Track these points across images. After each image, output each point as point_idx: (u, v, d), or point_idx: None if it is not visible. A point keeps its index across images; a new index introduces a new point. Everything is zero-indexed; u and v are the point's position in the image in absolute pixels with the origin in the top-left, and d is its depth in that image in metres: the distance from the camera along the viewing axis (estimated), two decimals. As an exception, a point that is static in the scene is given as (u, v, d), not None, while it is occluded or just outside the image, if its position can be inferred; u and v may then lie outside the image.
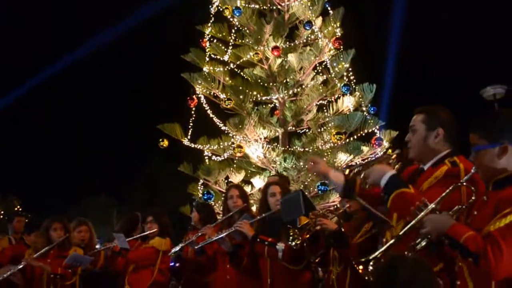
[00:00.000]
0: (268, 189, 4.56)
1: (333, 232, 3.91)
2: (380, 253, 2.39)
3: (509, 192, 2.20)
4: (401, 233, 2.39)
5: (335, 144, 8.73)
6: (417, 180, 2.79)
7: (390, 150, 9.15)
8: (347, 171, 3.08)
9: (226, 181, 9.13)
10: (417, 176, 2.85)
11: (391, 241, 2.41)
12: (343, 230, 3.99)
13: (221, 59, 9.85)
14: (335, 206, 4.50)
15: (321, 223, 3.91)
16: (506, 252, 2.04)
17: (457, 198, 2.45)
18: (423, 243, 2.31)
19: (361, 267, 2.39)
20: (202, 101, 9.61)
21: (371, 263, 2.36)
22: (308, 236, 3.90)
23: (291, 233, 3.85)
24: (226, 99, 9.11)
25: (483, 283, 2.17)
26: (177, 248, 5.08)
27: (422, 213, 2.33)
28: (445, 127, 2.84)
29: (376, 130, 9.08)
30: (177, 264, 6.89)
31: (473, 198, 2.37)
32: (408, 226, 2.37)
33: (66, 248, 5.37)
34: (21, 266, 5.20)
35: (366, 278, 2.37)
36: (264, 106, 9.60)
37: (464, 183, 2.42)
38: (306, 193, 7.95)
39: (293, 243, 3.84)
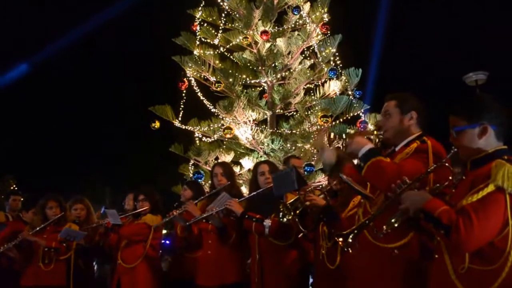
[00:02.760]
0: (257, 169, 4.65)
1: (322, 208, 3.85)
2: (358, 227, 2.50)
3: (484, 169, 2.26)
4: (383, 208, 2.49)
5: (321, 127, 8.82)
6: (390, 159, 2.92)
7: (375, 133, 9.29)
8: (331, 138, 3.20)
9: (216, 161, 9.23)
10: (389, 156, 2.97)
11: (369, 216, 2.52)
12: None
13: (211, 42, 9.88)
14: (321, 186, 4.50)
15: (310, 199, 3.86)
16: (476, 225, 2.10)
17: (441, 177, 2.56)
18: (401, 219, 2.39)
19: (341, 239, 2.48)
20: (192, 84, 9.67)
21: (350, 236, 2.46)
22: (298, 211, 3.85)
23: (281, 209, 3.81)
24: (216, 82, 9.14)
25: (459, 257, 2.23)
26: (163, 222, 5.18)
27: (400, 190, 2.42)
28: (418, 111, 3.01)
29: (361, 114, 9.18)
30: (167, 242, 7.05)
31: (450, 177, 2.46)
32: (387, 202, 2.48)
33: (61, 225, 5.47)
34: (17, 241, 5.32)
35: (346, 249, 2.48)
36: (253, 89, 9.66)
37: (446, 163, 2.50)
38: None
39: (284, 219, 3.81)
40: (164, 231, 5.82)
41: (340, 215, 3.90)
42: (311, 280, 5.16)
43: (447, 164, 2.51)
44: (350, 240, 2.50)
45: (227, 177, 4.94)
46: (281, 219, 3.83)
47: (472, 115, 2.39)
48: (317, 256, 4.12)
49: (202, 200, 5.09)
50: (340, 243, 2.53)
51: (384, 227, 2.42)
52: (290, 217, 3.79)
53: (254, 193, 4.48)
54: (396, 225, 2.40)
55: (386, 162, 2.77)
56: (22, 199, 6.59)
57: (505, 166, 2.18)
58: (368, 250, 2.84)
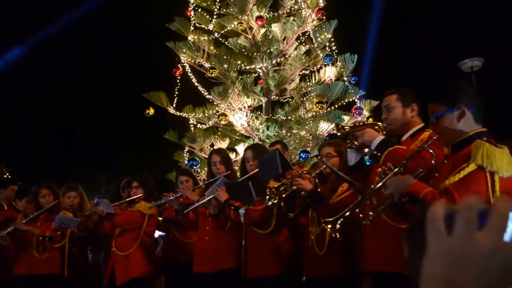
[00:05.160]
0: (244, 155, 4.69)
1: (309, 192, 3.86)
2: (346, 212, 2.51)
3: (464, 152, 2.33)
4: (367, 194, 2.52)
5: (317, 113, 8.81)
6: None
7: (370, 119, 9.29)
8: (343, 127, 3.23)
9: (211, 148, 9.20)
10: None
11: (357, 201, 2.53)
12: (319, 190, 3.94)
13: (206, 28, 9.78)
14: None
15: (297, 183, 3.85)
16: (459, 202, 2.14)
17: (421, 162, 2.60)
18: (386, 204, 2.43)
19: (329, 226, 2.50)
20: (187, 70, 9.59)
21: (338, 222, 2.48)
22: (284, 195, 3.85)
23: (268, 192, 3.80)
24: (210, 68, 9.08)
25: None
26: (156, 203, 5.18)
27: (387, 177, 2.46)
28: (418, 103, 3.16)
29: (356, 100, 9.16)
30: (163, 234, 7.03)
31: (433, 161, 2.50)
32: (373, 188, 2.50)
33: (55, 212, 5.45)
34: (10, 230, 5.29)
35: (333, 235, 2.49)
36: (248, 75, 9.60)
37: (426, 147, 2.55)
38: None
39: (270, 203, 3.80)
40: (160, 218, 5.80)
41: (328, 199, 3.95)
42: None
43: (429, 150, 2.56)
44: (338, 226, 2.52)
45: (225, 164, 4.93)
46: (266, 202, 3.83)
47: (449, 99, 2.46)
48: (306, 242, 4.15)
49: (200, 187, 5.10)
50: (328, 229, 2.55)
51: (370, 213, 2.46)
52: (275, 201, 3.79)
53: (240, 179, 4.51)
54: (380, 210, 2.43)
55: (404, 149, 2.86)
56: (16, 188, 6.53)
57: (484, 146, 2.26)
58: (382, 229, 2.90)
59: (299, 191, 3.89)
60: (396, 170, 2.47)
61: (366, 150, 3.05)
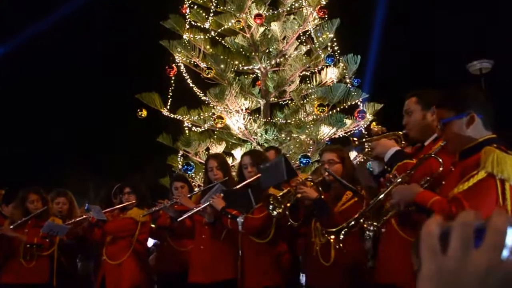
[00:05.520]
0: (241, 161, 4.70)
1: (313, 200, 3.85)
2: (350, 222, 2.55)
3: (473, 159, 2.37)
4: (371, 203, 2.56)
5: (318, 116, 8.85)
6: (419, 154, 3.01)
7: (374, 123, 9.34)
8: (355, 140, 3.27)
9: (206, 152, 9.23)
10: (419, 152, 3.09)
11: (361, 211, 2.58)
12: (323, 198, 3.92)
13: (202, 26, 9.83)
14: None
15: (302, 191, 3.83)
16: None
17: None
18: (391, 213, 2.46)
19: (332, 236, 2.53)
20: (181, 70, 9.62)
21: (342, 232, 2.51)
22: (288, 204, 3.85)
23: (272, 201, 3.80)
24: (206, 68, 9.10)
25: None
26: (150, 211, 5.20)
27: (391, 186, 2.50)
28: None
29: (359, 103, 9.21)
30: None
31: (440, 169, 2.54)
32: (377, 198, 2.54)
33: (43, 219, 5.46)
34: (-4, 237, 5.31)
35: (337, 247, 2.52)
36: (245, 76, 9.64)
37: (433, 155, 2.59)
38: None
39: (274, 212, 3.80)
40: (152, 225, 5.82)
41: (332, 208, 3.93)
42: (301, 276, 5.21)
43: (437, 158, 2.59)
44: (342, 237, 2.56)
45: (223, 170, 4.96)
46: (271, 212, 3.83)
47: (458, 105, 2.50)
48: (310, 253, 4.14)
49: (196, 194, 5.14)
50: (332, 240, 2.58)
51: (375, 223, 2.49)
52: (280, 211, 3.79)
53: (236, 187, 4.49)
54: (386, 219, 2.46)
55: (412, 163, 2.87)
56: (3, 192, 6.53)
57: (494, 152, 2.29)
58: (393, 239, 2.92)
59: (303, 200, 3.89)
60: (400, 179, 2.50)
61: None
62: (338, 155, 4.14)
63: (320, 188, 3.94)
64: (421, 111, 3.14)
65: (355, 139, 3.31)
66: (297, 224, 4.02)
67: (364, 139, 3.24)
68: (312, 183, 3.95)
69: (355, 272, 3.78)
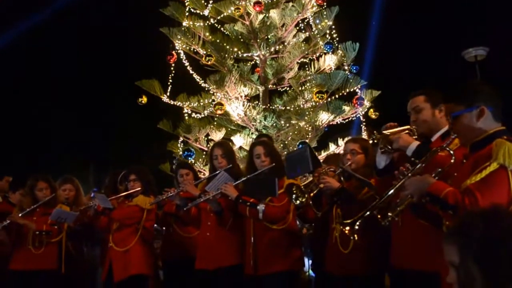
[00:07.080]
0: (253, 151, 4.68)
1: (336, 190, 3.93)
2: (365, 213, 2.62)
3: (485, 150, 2.42)
4: (384, 195, 2.62)
5: (316, 103, 8.88)
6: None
7: (372, 110, 9.40)
8: (375, 134, 3.35)
9: (206, 138, 9.28)
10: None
11: (375, 202, 2.64)
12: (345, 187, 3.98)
13: (201, 13, 9.78)
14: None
15: (325, 181, 3.92)
16: (481, 203, 2.26)
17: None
18: (404, 205, 2.53)
19: (347, 228, 2.59)
20: (181, 57, 9.62)
21: (357, 223, 2.57)
22: (312, 194, 3.93)
23: (295, 191, 3.88)
24: (206, 55, 9.09)
25: None
26: (156, 200, 5.23)
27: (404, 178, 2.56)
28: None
29: (357, 90, 9.24)
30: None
31: (452, 161, 2.61)
32: (391, 189, 2.60)
33: (51, 206, 5.49)
34: (5, 224, 5.34)
35: (352, 238, 2.59)
36: (245, 63, 9.62)
37: (446, 147, 2.66)
38: (285, 152, 8.21)
39: (297, 201, 3.89)
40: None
41: (357, 195, 3.99)
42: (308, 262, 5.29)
43: (449, 150, 2.66)
44: (357, 227, 2.62)
45: (228, 158, 4.97)
46: (294, 202, 3.91)
47: (468, 98, 2.55)
48: (330, 239, 4.20)
49: (202, 181, 5.18)
50: (347, 231, 2.65)
51: (390, 213, 2.56)
52: (304, 200, 3.88)
53: (249, 176, 4.54)
54: (399, 211, 2.53)
55: (440, 155, 2.90)
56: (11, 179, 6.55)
57: (505, 144, 2.35)
58: (413, 224, 3.00)
59: (325, 190, 3.97)
60: (414, 170, 2.57)
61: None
62: (361, 145, 4.19)
63: (342, 178, 4.01)
64: (431, 109, 3.30)
65: (374, 131, 3.39)
66: (320, 214, 4.09)
67: (383, 132, 3.32)
68: (333, 173, 4.01)
69: (373, 259, 3.84)
